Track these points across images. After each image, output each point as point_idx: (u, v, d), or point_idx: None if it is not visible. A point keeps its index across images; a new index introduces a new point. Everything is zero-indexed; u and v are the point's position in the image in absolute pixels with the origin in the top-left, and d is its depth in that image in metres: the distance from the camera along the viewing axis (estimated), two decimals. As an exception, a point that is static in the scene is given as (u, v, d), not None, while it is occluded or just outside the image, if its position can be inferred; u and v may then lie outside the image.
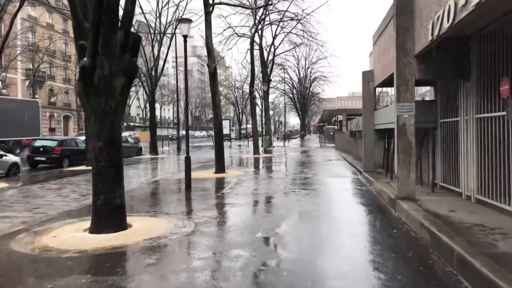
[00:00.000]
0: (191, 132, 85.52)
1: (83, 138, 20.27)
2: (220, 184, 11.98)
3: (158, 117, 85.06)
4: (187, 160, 10.86)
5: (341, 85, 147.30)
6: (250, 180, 12.42)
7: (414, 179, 7.30)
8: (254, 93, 23.11)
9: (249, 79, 29.42)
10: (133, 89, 62.20)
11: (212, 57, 14.30)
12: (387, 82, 10.38)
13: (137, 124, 71.53)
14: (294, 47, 33.17)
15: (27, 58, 41.74)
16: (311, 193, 9.57)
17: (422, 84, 10.49)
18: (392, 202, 7.47)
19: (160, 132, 63.77)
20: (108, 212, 6.39)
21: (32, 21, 45.61)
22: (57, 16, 50.62)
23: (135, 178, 13.63)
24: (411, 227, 6.01)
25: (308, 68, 57.51)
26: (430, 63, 7.26)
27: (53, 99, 51.04)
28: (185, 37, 11.05)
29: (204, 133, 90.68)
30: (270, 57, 31.78)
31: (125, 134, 34.70)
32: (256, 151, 23.52)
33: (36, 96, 48.25)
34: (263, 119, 33.14)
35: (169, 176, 13.98)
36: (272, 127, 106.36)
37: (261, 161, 20.04)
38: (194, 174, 14.14)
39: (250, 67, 23.17)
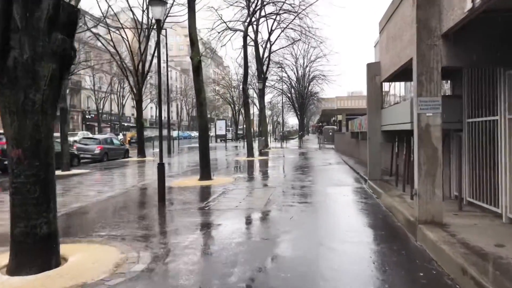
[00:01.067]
0: (188, 132, 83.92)
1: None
2: (202, 195, 10.29)
3: (154, 117, 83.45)
4: (160, 168, 9.15)
5: (340, 83, 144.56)
6: (238, 189, 10.72)
7: (440, 197, 5.61)
8: (249, 91, 21.39)
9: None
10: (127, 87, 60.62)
11: (196, 49, 12.61)
12: (399, 75, 8.71)
13: (131, 124, 69.75)
14: (292, 43, 31.55)
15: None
16: (307, 209, 7.88)
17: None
18: (411, 226, 5.79)
19: (155, 132, 62.06)
20: (31, 245, 4.69)
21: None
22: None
23: (107, 187, 11.92)
24: (444, 269, 4.33)
25: (307, 66, 55.89)
26: (461, 46, 5.58)
27: None
28: (158, 22, 9.34)
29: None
30: (266, 53, 30.12)
31: (105, 135, 33.06)
32: (250, 153, 21.82)
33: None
34: (259, 119, 31.39)
35: (148, 183, 12.27)
36: (270, 128, 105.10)
37: (254, 165, 18.34)
38: (175, 182, 12.49)
39: (243, 63, 21.45)
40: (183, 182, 12.37)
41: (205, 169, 12.64)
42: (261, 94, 28.85)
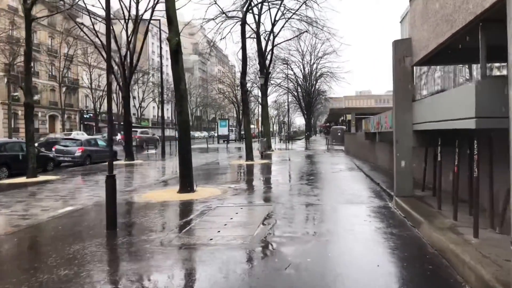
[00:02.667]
0: (191, 132, 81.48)
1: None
2: (173, 216, 7.77)
3: (155, 117, 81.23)
4: (110, 183, 6.59)
5: (349, 81, 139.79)
6: (224, 207, 8.16)
7: None
8: (253, 89, 18.80)
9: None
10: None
11: (174, 28, 10.05)
12: (442, 53, 6.08)
13: (133, 124, 67.36)
14: (298, 35, 28.91)
15: (4, 51, 37.82)
16: (312, 250, 5.27)
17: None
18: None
19: (158, 133, 59.73)
20: None
21: (12, 12, 41.92)
22: (42, 7, 46.82)
23: (61, 201, 9.41)
24: None
25: (314, 63, 53.19)
26: None
27: (37, 97, 47.15)
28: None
29: (205, 133, 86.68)
30: (269, 47, 27.51)
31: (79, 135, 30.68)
32: (249, 156, 19.24)
33: (15, 94, 44.49)
34: (260, 117, 28.77)
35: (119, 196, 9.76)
36: (276, 128, 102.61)
37: (252, 171, 15.74)
38: (147, 194, 9.95)
39: (241, 54, 18.90)
40: (157, 195, 9.84)
41: (185, 179, 10.10)
42: (263, 91, 26.24)
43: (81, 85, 53.50)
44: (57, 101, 49.95)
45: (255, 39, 26.52)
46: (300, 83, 52.85)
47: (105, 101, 56.17)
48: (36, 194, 10.66)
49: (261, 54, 26.26)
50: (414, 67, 8.05)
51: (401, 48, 7.87)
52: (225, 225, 6.64)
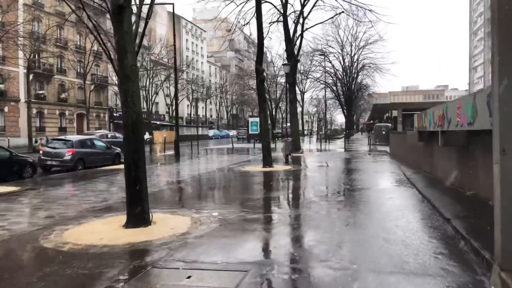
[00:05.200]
0: (225, 131, 78.51)
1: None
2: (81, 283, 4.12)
3: (190, 115, 79.08)
4: None
5: (396, 73, 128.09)
6: (169, 270, 4.43)
7: None
8: (264, 74, 15.01)
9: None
10: (158, 83, 56.35)
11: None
12: None
13: (164, 123, 65.51)
14: (333, 17, 24.60)
15: (25, 47, 36.45)
16: None
17: None
18: None
19: (192, 131, 57.42)
20: None
21: (37, 7, 40.62)
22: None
23: None
24: None
25: (355, 54, 48.23)
26: None
27: (64, 95, 45.97)
28: None
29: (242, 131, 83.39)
30: (299, 32, 23.45)
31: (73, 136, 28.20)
32: (266, 161, 15.38)
33: (42, 91, 43.41)
34: (290, 113, 24.69)
35: (70, 229, 6.29)
36: (315, 126, 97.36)
37: (260, 183, 11.85)
38: (78, 230, 6.33)
39: (257, 34, 15.05)
40: (87, 231, 6.27)
41: (134, 206, 6.48)
42: (291, 82, 22.23)
43: (110, 82, 52.02)
44: (85, 99, 48.64)
45: (281, 23, 22.61)
46: (339, 76, 48.10)
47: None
48: None
49: (288, 39, 22.30)
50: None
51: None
52: None
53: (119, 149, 20.45)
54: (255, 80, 63.08)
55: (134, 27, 6.73)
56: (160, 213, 7.37)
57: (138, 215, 6.51)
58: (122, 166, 17.82)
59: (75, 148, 17.22)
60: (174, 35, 23.05)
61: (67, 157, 16.66)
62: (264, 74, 49.22)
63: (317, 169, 16.03)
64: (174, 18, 23.23)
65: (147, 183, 6.80)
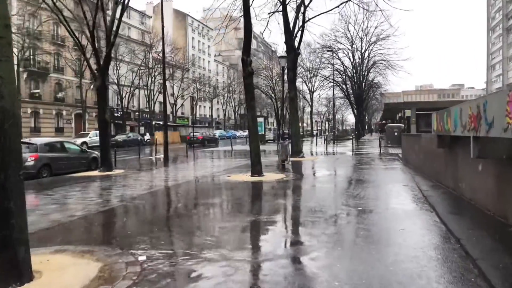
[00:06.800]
0: (232, 131, 76.20)
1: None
2: None
3: (193, 115, 77.02)
4: None
5: (409, 71, 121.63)
6: None
7: None
8: (252, 66, 12.68)
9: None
10: (161, 81, 54.37)
11: None
12: None
13: (168, 124, 63.48)
14: (339, 6, 22.12)
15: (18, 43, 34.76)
16: None
17: None
18: None
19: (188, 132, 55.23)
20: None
21: (32, 3, 38.95)
22: (66, -1, 43.98)
23: None
24: None
25: (365, 51, 45.50)
26: None
27: (61, 94, 44.31)
28: None
29: (247, 133, 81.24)
30: (300, 22, 21.01)
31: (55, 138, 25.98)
32: (255, 169, 13.02)
33: (37, 90, 41.79)
34: (289, 112, 22.24)
35: None
36: (326, 126, 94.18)
37: (237, 204, 9.42)
38: None
39: (243, 19, 12.71)
40: None
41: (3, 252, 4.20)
42: (291, 78, 19.80)
43: (109, 81, 50.22)
44: (84, 99, 47.00)
45: (281, 13, 20.24)
46: (349, 73, 45.45)
47: (134, 98, 52.38)
48: None
49: (288, 30, 19.91)
50: None
51: None
52: None
53: (96, 152, 18.40)
54: (262, 79, 60.73)
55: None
56: (63, 255, 5.11)
57: (5, 265, 4.23)
58: (93, 173, 15.92)
59: (39, 152, 15.13)
60: (163, 21, 20.91)
61: (29, 162, 14.56)
62: (270, 72, 46.29)
63: (314, 179, 13.61)
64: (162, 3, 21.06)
65: (26, 215, 4.50)
